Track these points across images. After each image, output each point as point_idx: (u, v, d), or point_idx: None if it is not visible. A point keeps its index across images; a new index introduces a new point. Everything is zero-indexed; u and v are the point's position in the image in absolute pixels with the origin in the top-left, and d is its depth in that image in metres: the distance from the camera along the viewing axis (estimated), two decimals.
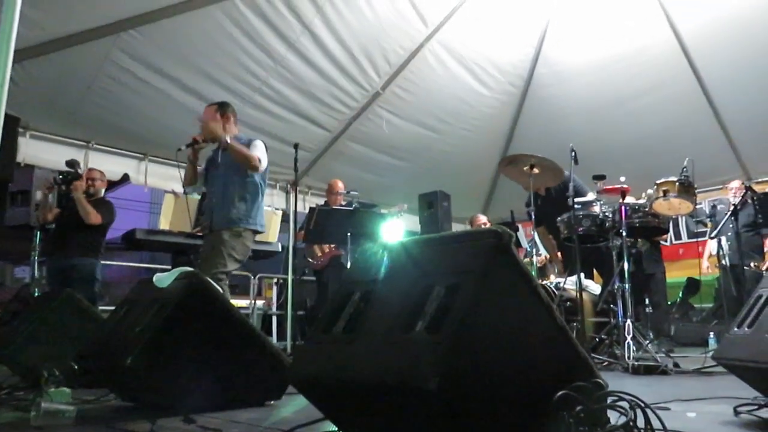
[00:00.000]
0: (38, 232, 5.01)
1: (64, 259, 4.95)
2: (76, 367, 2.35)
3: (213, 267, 3.68)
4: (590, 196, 4.58)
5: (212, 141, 3.93)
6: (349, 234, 4.92)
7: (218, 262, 3.75)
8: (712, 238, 5.93)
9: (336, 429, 1.68)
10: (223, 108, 4.07)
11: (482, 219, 6.98)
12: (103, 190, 5.34)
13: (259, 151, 3.94)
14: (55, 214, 5.07)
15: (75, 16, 4.74)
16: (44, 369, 2.30)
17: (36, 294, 4.83)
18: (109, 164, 5.79)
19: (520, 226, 6.78)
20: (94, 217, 4.89)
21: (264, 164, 3.95)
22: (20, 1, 2.15)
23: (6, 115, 2.13)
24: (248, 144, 3.96)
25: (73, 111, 5.41)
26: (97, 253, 5.10)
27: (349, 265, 4.92)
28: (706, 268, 6.64)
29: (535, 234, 5.69)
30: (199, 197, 5.26)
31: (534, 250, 4.85)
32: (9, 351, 3.18)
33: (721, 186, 6.92)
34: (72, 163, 5.08)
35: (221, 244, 3.79)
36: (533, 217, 4.63)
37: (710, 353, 3.63)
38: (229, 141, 3.80)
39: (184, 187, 4.11)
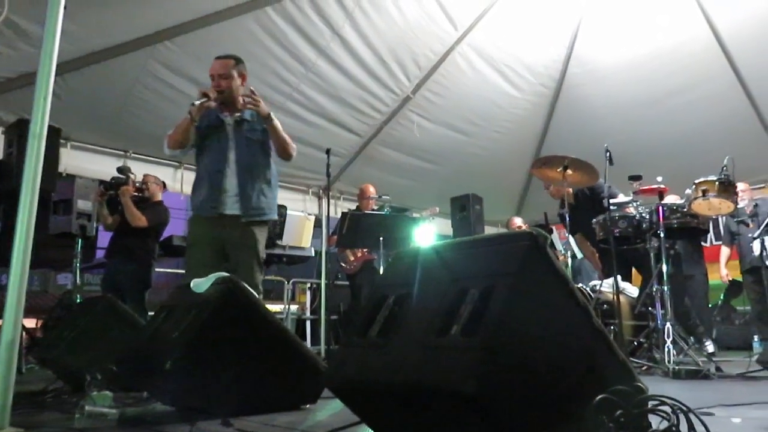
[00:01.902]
0: (80, 240, 5.13)
1: (116, 265, 5.05)
2: (117, 371, 2.40)
3: (251, 277, 3.11)
4: (621, 197, 4.50)
5: (226, 103, 3.35)
6: (381, 238, 4.92)
7: (255, 270, 3.24)
8: (755, 239, 5.74)
9: None
10: (240, 64, 3.45)
11: (518, 222, 6.92)
12: (160, 194, 5.35)
13: None
14: (116, 220, 5.13)
15: (112, 30, 4.87)
16: (87, 373, 2.36)
17: (78, 300, 4.95)
18: (146, 173, 5.93)
19: (554, 228, 6.69)
20: (139, 220, 4.91)
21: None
22: (62, 16, 2.23)
23: (48, 126, 2.20)
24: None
25: (112, 121, 5.55)
26: (148, 258, 5.08)
27: (381, 270, 4.93)
28: (726, 276, 6.38)
29: (571, 238, 5.62)
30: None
31: (569, 252, 4.79)
32: (53, 356, 3.28)
33: (763, 185, 6.72)
34: (123, 169, 5.15)
35: (255, 245, 3.28)
36: (567, 224, 4.59)
37: (755, 357, 3.54)
38: (274, 118, 3.26)
39: (170, 147, 3.33)
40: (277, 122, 3.30)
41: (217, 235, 3.27)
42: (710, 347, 5.03)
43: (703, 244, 6.35)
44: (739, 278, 6.47)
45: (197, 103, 3.16)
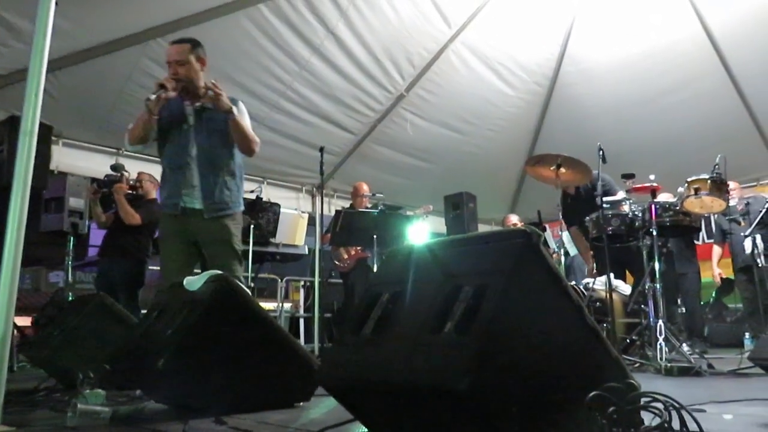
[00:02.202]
0: (71, 238, 5.10)
1: (110, 263, 5.02)
2: (109, 369, 2.39)
3: (229, 271, 2.89)
4: (620, 194, 4.51)
5: (187, 91, 3.12)
6: (374, 236, 4.92)
7: (232, 263, 3.10)
8: (747, 236, 5.77)
9: (365, 430, 1.69)
10: (198, 48, 3.21)
11: (513, 219, 6.93)
12: (154, 192, 5.27)
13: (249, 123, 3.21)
14: (110, 218, 5.09)
15: (104, 26, 4.85)
16: (79, 371, 2.35)
17: (70, 298, 4.93)
18: (138, 171, 5.90)
19: (547, 226, 6.71)
20: (133, 218, 4.88)
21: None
22: (53, 13, 2.21)
23: (39, 123, 2.18)
24: (232, 100, 3.15)
25: (104, 119, 5.52)
26: (142, 255, 5.04)
27: (375, 268, 4.93)
28: (719, 275, 6.40)
29: (563, 234, 5.63)
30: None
31: (562, 250, 4.80)
32: (45, 354, 3.26)
33: (755, 183, 6.76)
34: (117, 167, 5.11)
35: (229, 238, 3.14)
36: (563, 217, 4.58)
37: (746, 354, 3.56)
38: (235, 113, 3.07)
39: (131, 143, 3.17)
40: (239, 116, 3.10)
41: (185, 229, 3.13)
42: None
43: (695, 242, 6.38)
44: (731, 276, 6.51)
45: (153, 97, 2.95)
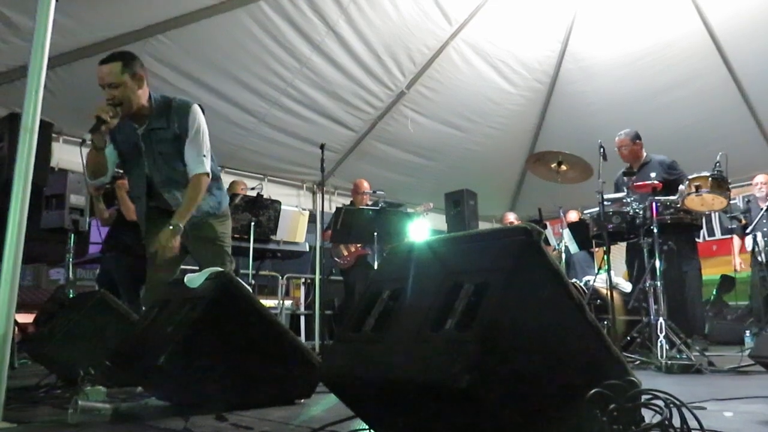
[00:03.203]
0: (72, 235, 5.10)
1: (112, 260, 5.03)
2: (110, 366, 2.40)
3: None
4: (623, 194, 4.46)
5: (130, 114, 2.88)
6: (375, 233, 4.92)
7: (220, 261, 3.03)
8: (747, 234, 5.76)
9: (366, 427, 1.69)
10: (131, 63, 2.84)
11: (511, 217, 6.93)
12: None
13: (204, 141, 2.96)
14: (113, 215, 5.08)
15: (105, 23, 4.84)
16: (80, 368, 2.35)
17: (71, 295, 4.93)
18: None
19: (548, 223, 6.71)
20: (134, 214, 4.88)
21: (207, 159, 2.97)
22: (53, 10, 2.21)
23: (40, 120, 2.18)
24: (181, 112, 2.92)
25: None
26: (143, 252, 5.07)
27: (376, 265, 4.93)
28: (739, 265, 6.43)
29: (564, 232, 5.62)
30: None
31: (562, 247, 4.80)
32: (46, 350, 3.27)
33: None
34: None
35: (215, 237, 3.09)
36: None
37: (747, 352, 3.56)
38: (180, 224, 2.82)
39: (90, 180, 2.97)
40: (189, 212, 2.88)
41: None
42: None
43: (696, 240, 6.37)
44: (732, 274, 6.51)
45: (88, 136, 2.76)
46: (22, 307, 4.67)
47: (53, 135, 5.19)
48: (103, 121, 2.72)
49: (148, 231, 3.12)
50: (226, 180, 6.11)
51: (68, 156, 5.55)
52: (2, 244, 2.06)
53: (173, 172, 2.97)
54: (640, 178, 4.52)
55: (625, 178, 4.66)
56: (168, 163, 2.95)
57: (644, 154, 5.03)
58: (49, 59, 2.23)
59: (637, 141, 5.00)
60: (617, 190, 4.78)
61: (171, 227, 2.82)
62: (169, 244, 2.83)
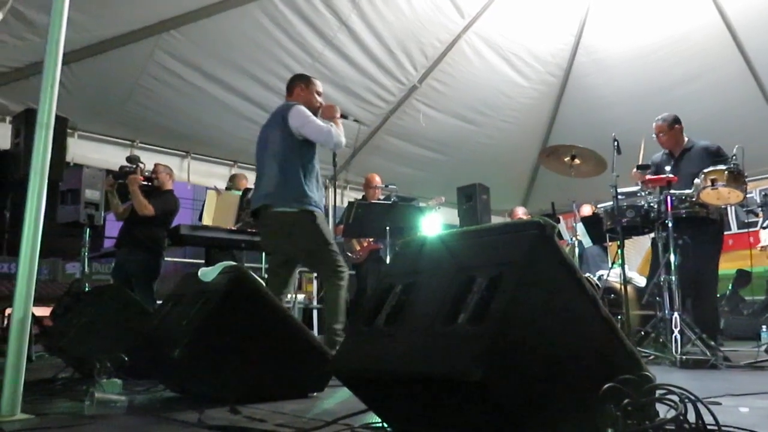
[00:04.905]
0: (87, 229, 5.15)
1: (126, 254, 5.06)
2: (126, 359, 2.42)
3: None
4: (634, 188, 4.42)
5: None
6: (387, 228, 4.92)
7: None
8: (764, 228, 5.68)
9: (379, 420, 1.69)
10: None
11: (520, 212, 6.89)
12: (170, 183, 5.31)
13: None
14: (127, 209, 5.11)
15: (118, 19, 4.87)
16: (96, 360, 2.38)
17: (86, 289, 4.98)
18: (152, 162, 5.94)
19: (561, 217, 6.67)
20: (146, 209, 4.89)
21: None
22: (68, 6, 2.22)
23: (55, 116, 2.20)
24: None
25: (118, 111, 5.56)
26: (157, 247, 5.06)
27: (388, 259, 4.93)
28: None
29: (577, 226, 5.57)
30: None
31: (575, 241, 4.77)
32: (62, 344, 3.31)
33: None
34: (132, 159, 5.13)
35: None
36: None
37: (763, 347, 3.52)
38: None
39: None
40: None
41: None
42: None
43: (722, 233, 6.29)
44: (747, 268, 6.44)
45: None
46: (38, 301, 4.71)
47: (68, 130, 5.24)
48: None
49: None
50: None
51: (83, 151, 5.62)
52: (20, 238, 2.09)
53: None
54: (681, 165, 4.40)
55: (666, 158, 4.54)
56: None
57: (686, 138, 4.82)
58: (64, 55, 2.24)
59: (676, 126, 4.77)
60: (658, 169, 4.59)
61: None
62: None
